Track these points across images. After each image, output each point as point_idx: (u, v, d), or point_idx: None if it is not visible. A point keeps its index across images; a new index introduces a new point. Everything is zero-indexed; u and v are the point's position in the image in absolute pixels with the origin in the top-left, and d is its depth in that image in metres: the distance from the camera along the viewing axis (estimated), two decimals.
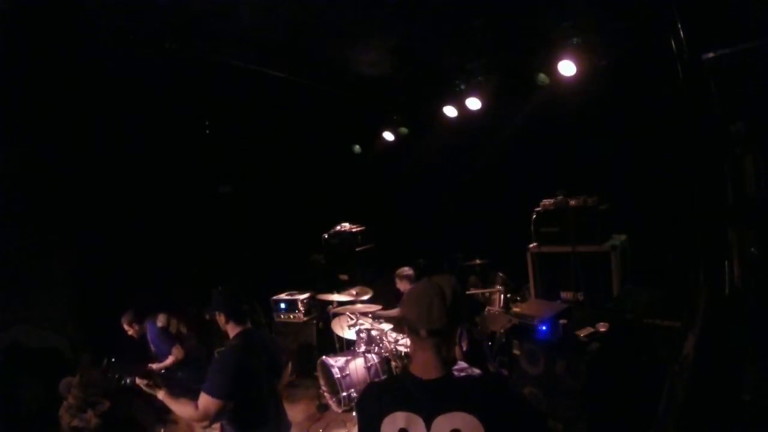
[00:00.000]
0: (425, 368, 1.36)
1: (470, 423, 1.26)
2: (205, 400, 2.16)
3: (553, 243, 4.59)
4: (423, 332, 1.34)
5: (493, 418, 1.26)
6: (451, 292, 1.37)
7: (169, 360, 4.11)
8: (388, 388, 1.51)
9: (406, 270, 4.77)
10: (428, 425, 1.30)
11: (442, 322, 1.34)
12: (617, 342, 3.19)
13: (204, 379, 2.23)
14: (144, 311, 4.30)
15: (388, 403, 1.37)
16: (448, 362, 1.39)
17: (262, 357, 2.40)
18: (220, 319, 2.46)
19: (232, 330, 2.45)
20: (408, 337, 1.46)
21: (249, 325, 2.50)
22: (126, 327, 4.29)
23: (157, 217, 5.37)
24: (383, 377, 4.35)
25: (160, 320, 4.21)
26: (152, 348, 4.24)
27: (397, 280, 4.78)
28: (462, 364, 1.43)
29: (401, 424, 1.32)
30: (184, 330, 4.35)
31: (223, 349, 2.45)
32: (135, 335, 4.30)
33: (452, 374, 1.37)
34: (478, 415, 1.26)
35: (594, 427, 3.02)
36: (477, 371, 1.39)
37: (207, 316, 2.54)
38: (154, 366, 4.05)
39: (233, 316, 2.45)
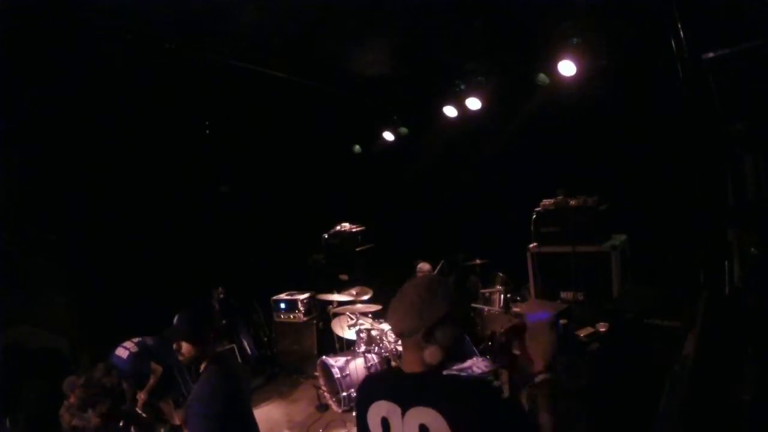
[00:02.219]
0: (407, 363, 1.44)
1: (436, 420, 1.27)
2: None
3: (553, 243, 4.59)
4: (396, 335, 1.40)
5: (460, 422, 1.25)
6: (427, 292, 1.38)
7: (152, 380, 3.99)
8: (379, 379, 1.68)
9: (425, 266, 5.12)
10: (403, 415, 1.35)
11: (411, 326, 1.37)
12: (617, 342, 3.19)
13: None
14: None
15: (375, 392, 1.46)
16: (430, 360, 1.38)
17: (239, 376, 2.30)
18: (205, 339, 2.19)
19: (207, 353, 2.21)
20: None
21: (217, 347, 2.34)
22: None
23: (156, 217, 5.37)
24: None
25: (122, 352, 4.01)
26: (132, 380, 4.00)
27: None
28: (467, 362, 1.44)
29: (383, 413, 1.41)
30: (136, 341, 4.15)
31: (203, 378, 2.17)
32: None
33: (434, 372, 1.39)
34: (445, 415, 1.26)
35: (594, 427, 3.02)
36: (470, 374, 1.41)
37: (174, 343, 2.18)
38: (142, 395, 3.90)
39: (216, 338, 2.32)
